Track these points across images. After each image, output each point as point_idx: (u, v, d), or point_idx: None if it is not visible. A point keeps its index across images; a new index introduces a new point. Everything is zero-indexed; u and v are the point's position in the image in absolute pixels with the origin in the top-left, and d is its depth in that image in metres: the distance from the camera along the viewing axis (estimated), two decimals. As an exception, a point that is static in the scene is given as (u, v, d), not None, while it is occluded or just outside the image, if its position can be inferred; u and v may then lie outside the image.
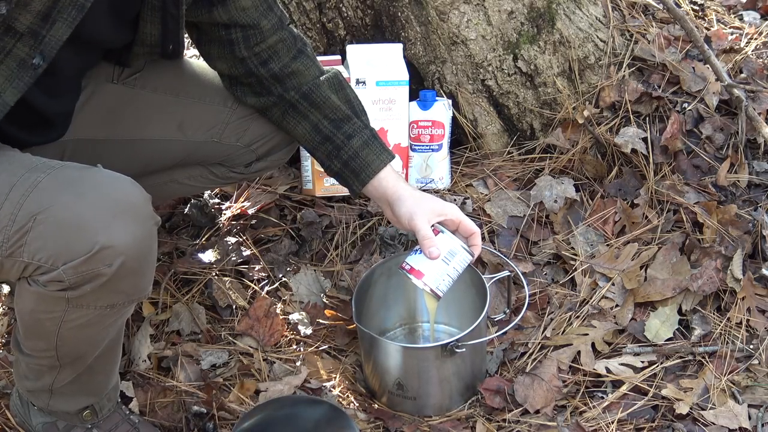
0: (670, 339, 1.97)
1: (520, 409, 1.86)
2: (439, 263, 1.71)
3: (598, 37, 2.46)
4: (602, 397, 1.87)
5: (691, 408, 1.80)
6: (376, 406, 1.91)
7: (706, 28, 2.64)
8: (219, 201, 2.40)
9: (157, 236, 1.42)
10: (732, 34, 2.64)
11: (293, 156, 2.40)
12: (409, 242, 2.17)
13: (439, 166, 2.35)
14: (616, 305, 2.06)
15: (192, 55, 2.00)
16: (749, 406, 1.80)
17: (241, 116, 1.86)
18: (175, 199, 2.38)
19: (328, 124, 1.77)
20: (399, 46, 2.30)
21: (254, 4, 1.70)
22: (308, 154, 2.24)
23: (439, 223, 1.73)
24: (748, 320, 1.96)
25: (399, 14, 2.32)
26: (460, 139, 2.47)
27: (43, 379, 1.61)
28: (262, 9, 1.71)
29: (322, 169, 1.86)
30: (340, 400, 1.92)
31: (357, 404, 1.91)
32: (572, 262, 2.16)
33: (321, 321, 2.09)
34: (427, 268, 1.71)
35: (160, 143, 1.84)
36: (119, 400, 1.75)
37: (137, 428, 1.73)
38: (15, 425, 1.75)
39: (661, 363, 1.91)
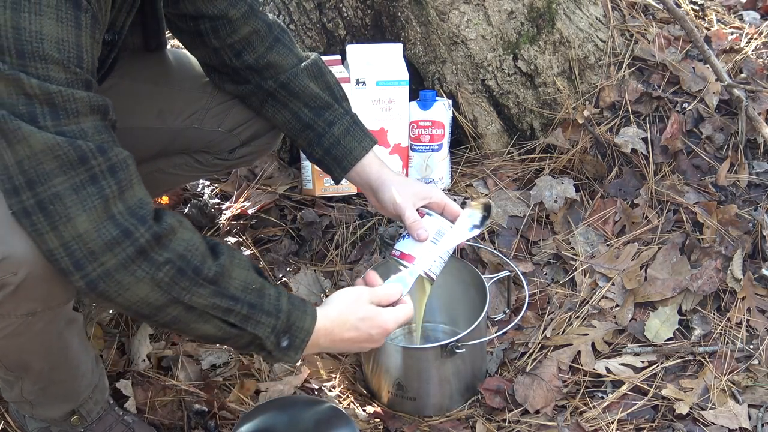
0: (670, 339, 1.97)
1: (520, 409, 1.86)
2: (429, 245, 1.69)
3: (598, 37, 2.46)
4: (602, 397, 1.87)
5: (691, 408, 1.80)
6: (376, 406, 1.91)
7: (706, 28, 2.64)
8: (219, 201, 2.40)
9: None
10: (732, 34, 2.64)
11: (293, 156, 2.41)
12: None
13: (439, 166, 2.35)
14: (616, 305, 2.06)
15: (173, 44, 2.00)
16: (749, 406, 1.80)
17: (221, 102, 1.85)
18: (174, 199, 2.38)
19: (308, 111, 1.76)
20: (399, 46, 2.30)
21: None
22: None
23: (424, 206, 1.73)
24: (748, 320, 1.96)
25: (399, 14, 2.32)
26: (460, 139, 2.47)
27: (14, 390, 1.61)
28: None
29: (305, 156, 1.84)
30: (340, 400, 1.92)
31: (357, 404, 1.91)
32: (572, 262, 2.16)
33: (321, 321, 2.09)
34: (418, 252, 1.69)
35: (139, 132, 1.82)
36: (111, 401, 1.74)
37: (132, 428, 1.73)
38: (15, 429, 1.76)
39: (661, 363, 1.92)
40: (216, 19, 1.69)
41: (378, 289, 1.59)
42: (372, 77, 2.23)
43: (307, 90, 1.75)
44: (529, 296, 1.94)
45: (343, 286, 2.15)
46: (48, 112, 1.23)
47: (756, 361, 1.89)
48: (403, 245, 1.71)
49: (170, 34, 1.86)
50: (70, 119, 1.24)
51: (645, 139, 2.33)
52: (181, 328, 1.39)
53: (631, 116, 2.37)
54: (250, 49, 1.73)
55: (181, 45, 1.83)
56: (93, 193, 1.25)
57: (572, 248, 2.20)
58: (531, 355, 1.98)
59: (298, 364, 1.98)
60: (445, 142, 2.35)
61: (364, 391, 1.95)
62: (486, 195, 2.33)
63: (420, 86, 2.39)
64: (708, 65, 2.41)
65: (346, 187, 2.30)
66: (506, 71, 2.39)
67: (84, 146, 1.24)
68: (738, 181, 2.27)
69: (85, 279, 1.29)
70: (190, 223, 1.38)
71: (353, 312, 1.53)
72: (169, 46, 1.90)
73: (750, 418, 1.77)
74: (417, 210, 1.71)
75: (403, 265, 1.69)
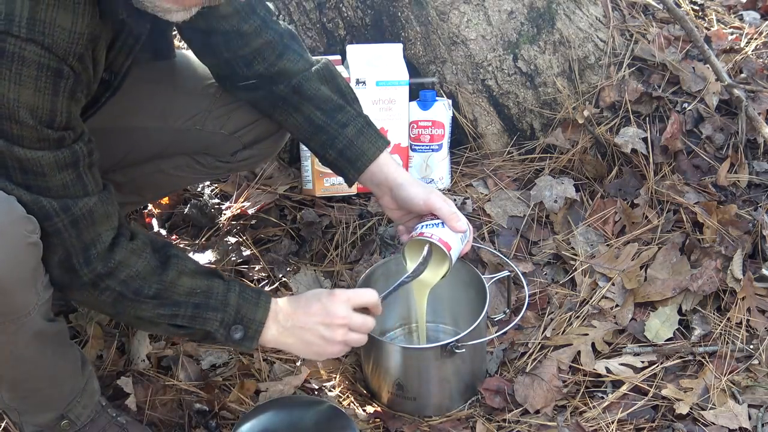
0: (670, 339, 1.97)
1: (520, 409, 1.86)
2: (458, 240, 1.71)
3: (598, 37, 2.46)
4: (602, 397, 1.87)
5: (691, 408, 1.80)
6: (376, 406, 1.91)
7: (706, 28, 2.64)
8: (219, 201, 2.40)
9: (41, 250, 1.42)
10: (732, 34, 2.64)
11: (293, 156, 2.41)
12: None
13: (439, 166, 2.35)
14: (616, 305, 2.06)
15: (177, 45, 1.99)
16: (749, 406, 1.80)
17: (223, 104, 1.85)
18: (175, 199, 2.38)
19: (320, 114, 1.75)
20: (399, 46, 2.30)
21: (235, 9, 1.67)
22: (308, 154, 2.24)
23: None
24: (748, 320, 1.96)
25: (399, 14, 2.32)
26: (460, 139, 2.47)
27: None
28: (244, 13, 1.68)
29: (317, 159, 1.84)
30: (340, 400, 1.92)
31: (357, 404, 1.91)
32: (572, 262, 2.16)
33: (321, 321, 2.09)
34: (453, 242, 1.71)
35: (141, 132, 1.83)
36: (103, 402, 1.73)
37: (126, 429, 1.72)
38: (16, 430, 1.76)
39: (661, 363, 1.91)
40: (228, 34, 1.69)
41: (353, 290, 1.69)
42: (372, 77, 2.22)
43: (318, 93, 1.75)
44: (529, 296, 1.94)
45: (343, 286, 2.15)
46: (18, 169, 1.37)
47: (756, 361, 1.89)
48: (439, 231, 1.70)
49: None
50: (37, 178, 1.38)
51: (645, 139, 2.33)
52: (139, 328, 1.66)
53: (631, 116, 2.37)
54: (261, 59, 1.73)
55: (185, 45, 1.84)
56: (56, 244, 1.43)
57: (572, 248, 2.20)
58: (531, 355, 1.98)
59: (298, 364, 1.98)
60: (445, 142, 2.35)
61: (364, 391, 1.95)
62: (486, 195, 2.33)
63: (420, 86, 2.39)
64: (708, 65, 2.41)
65: (346, 187, 2.29)
66: (506, 71, 2.39)
67: (48, 206, 1.40)
68: (738, 181, 2.26)
69: (57, 289, 1.50)
70: (143, 245, 1.52)
71: (311, 292, 1.66)
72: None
73: (750, 418, 1.77)
74: None
75: (443, 251, 1.69)
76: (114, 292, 1.48)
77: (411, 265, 1.75)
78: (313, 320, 1.60)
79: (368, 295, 1.65)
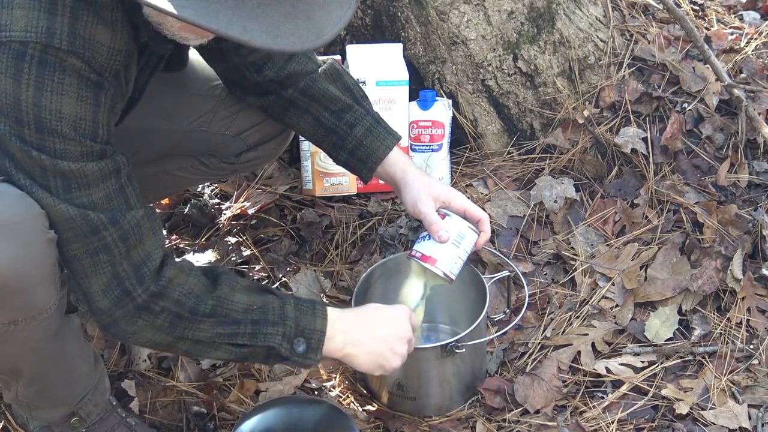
0: (670, 339, 1.97)
1: (520, 409, 1.86)
2: (450, 246, 1.70)
3: (598, 37, 2.46)
4: (602, 397, 1.87)
5: (691, 408, 1.80)
6: (376, 406, 1.91)
7: (706, 28, 2.64)
8: (219, 201, 2.40)
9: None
10: (732, 34, 2.64)
11: (293, 156, 2.41)
12: (409, 242, 2.17)
13: (439, 166, 2.35)
14: (616, 305, 2.06)
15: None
16: (749, 406, 1.80)
17: (229, 105, 1.86)
18: (175, 199, 2.38)
19: (329, 116, 1.76)
20: (399, 46, 2.30)
21: None
22: (308, 155, 2.25)
23: (444, 208, 1.73)
24: (748, 320, 1.96)
25: (399, 14, 2.32)
26: (460, 139, 2.47)
27: (10, 392, 1.62)
28: None
29: (330, 160, 1.84)
30: (340, 400, 1.92)
31: (357, 404, 1.91)
32: (572, 262, 2.16)
33: (321, 321, 2.09)
34: (439, 253, 1.69)
35: (147, 132, 1.83)
36: (114, 402, 1.74)
37: (134, 430, 1.73)
38: (17, 428, 1.76)
39: (661, 363, 1.92)
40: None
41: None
42: (372, 77, 2.22)
43: (326, 93, 1.75)
44: (529, 296, 1.94)
45: (344, 286, 2.15)
46: (61, 185, 1.34)
47: (756, 361, 1.89)
48: (423, 246, 1.71)
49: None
50: (81, 191, 1.35)
51: (645, 139, 2.33)
52: (197, 356, 1.57)
53: (631, 116, 2.37)
54: (270, 64, 1.73)
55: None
56: (104, 261, 1.39)
57: (572, 248, 2.20)
58: (531, 355, 1.98)
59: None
60: (445, 142, 2.35)
61: (364, 391, 1.95)
62: (486, 195, 2.33)
63: (420, 86, 2.39)
64: (708, 65, 2.41)
65: (346, 187, 2.30)
66: (506, 71, 2.39)
67: (96, 219, 1.36)
68: (738, 181, 2.27)
69: (99, 323, 1.47)
70: (190, 264, 1.50)
71: (371, 305, 1.67)
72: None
73: (750, 418, 1.78)
74: (437, 211, 1.71)
75: (425, 267, 1.70)
76: (171, 313, 1.44)
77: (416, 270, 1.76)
78: (384, 331, 1.60)
79: (415, 319, 1.68)
